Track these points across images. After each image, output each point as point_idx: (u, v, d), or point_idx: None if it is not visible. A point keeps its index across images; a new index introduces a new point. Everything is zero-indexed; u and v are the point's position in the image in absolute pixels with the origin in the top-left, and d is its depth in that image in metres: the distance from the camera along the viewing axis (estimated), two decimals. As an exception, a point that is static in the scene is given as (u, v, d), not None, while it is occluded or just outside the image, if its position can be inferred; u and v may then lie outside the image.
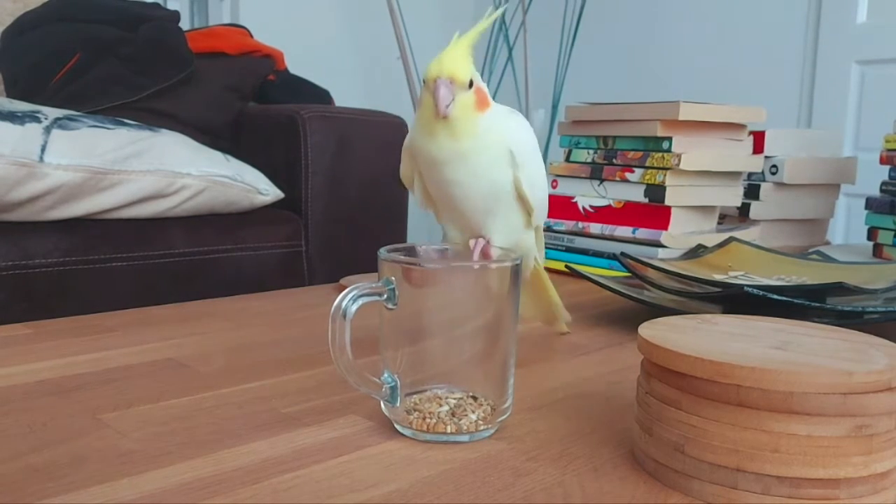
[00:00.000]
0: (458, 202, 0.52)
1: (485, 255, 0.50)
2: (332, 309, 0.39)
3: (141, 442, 0.41)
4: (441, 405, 0.42)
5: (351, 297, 0.40)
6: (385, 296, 0.41)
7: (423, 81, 0.49)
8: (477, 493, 0.36)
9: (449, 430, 0.41)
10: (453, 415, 0.42)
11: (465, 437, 0.42)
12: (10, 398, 0.48)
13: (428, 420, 0.41)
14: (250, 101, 1.46)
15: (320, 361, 0.56)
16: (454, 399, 0.42)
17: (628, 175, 0.98)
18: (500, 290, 0.42)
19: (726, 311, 0.65)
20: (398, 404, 0.42)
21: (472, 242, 0.52)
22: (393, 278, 0.41)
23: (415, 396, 0.42)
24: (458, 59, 0.49)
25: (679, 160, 0.93)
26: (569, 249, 1.00)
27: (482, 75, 2.37)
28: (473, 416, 0.42)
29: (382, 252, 0.43)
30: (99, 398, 0.48)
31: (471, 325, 0.42)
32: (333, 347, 0.40)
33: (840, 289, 0.65)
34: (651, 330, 0.40)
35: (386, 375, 0.42)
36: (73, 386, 0.50)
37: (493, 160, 0.51)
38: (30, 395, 0.48)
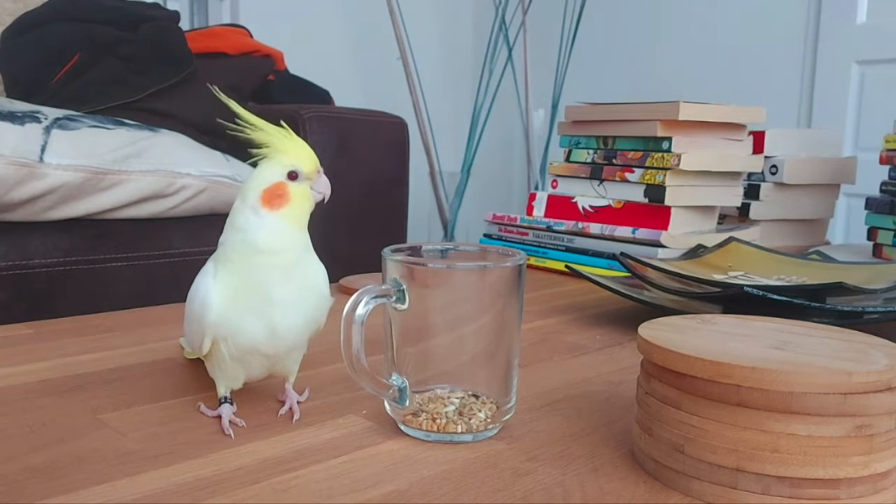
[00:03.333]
0: (269, 342, 0.45)
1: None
2: (345, 313, 0.39)
3: (141, 442, 0.41)
4: (446, 405, 0.42)
5: (363, 300, 0.40)
6: (394, 297, 0.41)
7: (292, 176, 0.44)
8: (477, 493, 0.36)
9: (459, 430, 0.41)
10: (461, 414, 0.42)
11: (468, 437, 0.42)
12: (10, 398, 0.48)
13: (438, 421, 0.41)
14: (250, 101, 1.46)
15: (320, 361, 0.56)
16: (457, 398, 0.42)
17: (628, 175, 0.98)
18: (505, 290, 0.42)
19: (726, 311, 0.65)
20: (407, 405, 0.42)
21: (284, 397, 0.47)
22: (402, 279, 0.41)
23: (417, 396, 0.42)
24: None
25: (679, 160, 0.93)
26: (569, 249, 1.00)
27: (482, 75, 2.37)
28: (482, 416, 0.42)
29: (387, 252, 0.43)
30: (99, 398, 0.48)
31: (476, 325, 0.42)
32: (347, 351, 0.40)
33: (840, 289, 0.65)
34: (651, 330, 0.40)
35: (395, 377, 0.42)
36: (73, 386, 0.50)
37: (315, 287, 0.47)
38: (30, 395, 0.48)
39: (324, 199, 0.46)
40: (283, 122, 0.45)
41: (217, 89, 0.47)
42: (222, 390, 0.46)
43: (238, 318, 0.43)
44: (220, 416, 0.44)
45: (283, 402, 0.47)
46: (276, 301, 0.43)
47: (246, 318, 0.43)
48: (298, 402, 0.47)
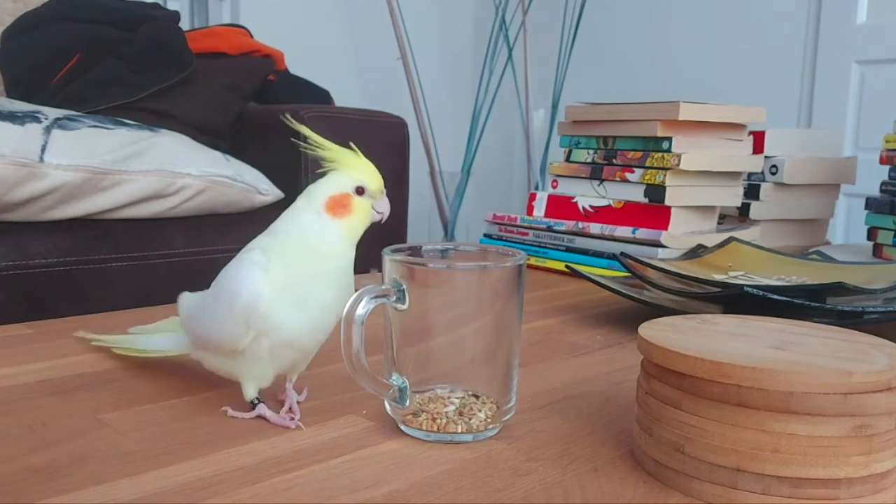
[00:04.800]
0: (312, 337, 0.47)
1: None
2: (345, 313, 0.39)
3: (141, 442, 0.41)
4: (446, 405, 0.42)
5: (363, 300, 0.40)
6: (395, 297, 0.41)
7: (359, 191, 0.46)
8: (477, 493, 0.36)
9: (460, 430, 0.41)
10: (461, 414, 0.42)
11: (468, 437, 0.42)
12: (10, 398, 0.48)
13: (438, 421, 0.41)
14: (250, 101, 1.46)
15: (320, 361, 0.56)
16: (457, 398, 0.42)
17: (628, 175, 0.98)
18: (505, 290, 0.42)
19: (726, 311, 0.65)
20: (407, 405, 0.42)
21: (285, 396, 0.47)
22: (402, 279, 0.41)
23: (417, 396, 0.42)
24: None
25: (679, 160, 0.93)
26: (569, 249, 1.00)
27: (482, 76, 2.37)
28: (482, 415, 0.42)
29: (387, 252, 0.43)
30: (99, 398, 0.48)
31: (476, 325, 0.42)
32: (347, 351, 0.40)
33: (840, 289, 0.65)
34: (651, 330, 0.40)
35: (395, 377, 0.42)
36: (73, 386, 0.50)
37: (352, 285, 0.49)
38: (30, 395, 0.48)
39: (381, 219, 0.47)
40: (352, 144, 0.47)
41: (289, 117, 0.49)
42: (253, 391, 0.45)
43: (285, 312, 0.43)
44: (263, 416, 0.45)
45: (282, 403, 0.47)
46: (321, 301, 0.44)
47: (292, 314, 0.43)
48: (298, 403, 0.47)
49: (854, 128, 1.91)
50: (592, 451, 0.41)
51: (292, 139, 0.49)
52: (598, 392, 0.51)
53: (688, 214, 0.97)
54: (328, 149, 0.45)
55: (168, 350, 0.51)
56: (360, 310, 0.39)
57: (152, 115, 1.26)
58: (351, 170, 0.45)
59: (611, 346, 0.63)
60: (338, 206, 0.44)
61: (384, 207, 0.47)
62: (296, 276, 0.43)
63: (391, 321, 0.42)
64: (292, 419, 0.44)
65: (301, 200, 0.45)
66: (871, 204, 1.05)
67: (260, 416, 0.45)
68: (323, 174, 0.46)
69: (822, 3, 1.93)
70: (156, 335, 0.54)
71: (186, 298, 0.50)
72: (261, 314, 0.42)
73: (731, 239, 0.88)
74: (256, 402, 0.45)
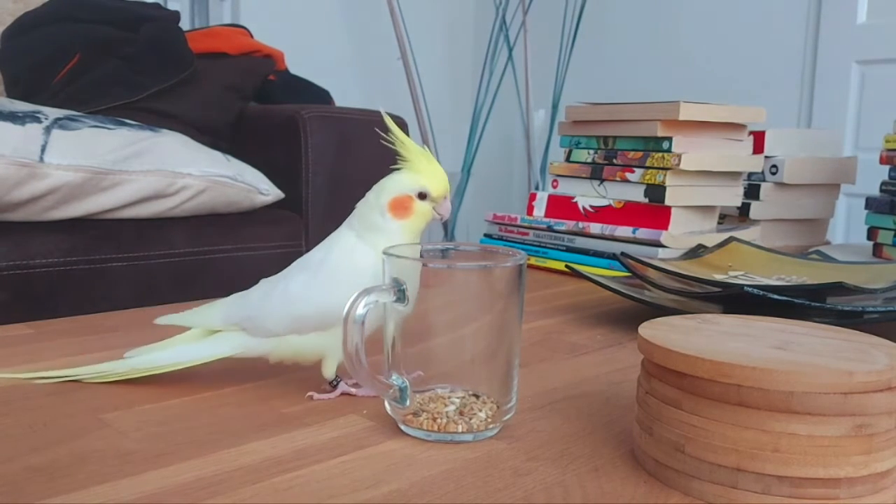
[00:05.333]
0: None
1: None
2: (345, 312, 0.39)
3: (141, 442, 0.41)
4: (446, 405, 0.42)
5: (363, 300, 0.40)
6: (395, 297, 0.41)
7: (421, 195, 0.49)
8: (477, 493, 0.36)
9: (460, 430, 0.41)
10: (461, 414, 0.42)
11: (469, 437, 0.42)
12: (10, 398, 0.48)
13: (438, 420, 0.41)
14: (251, 101, 1.46)
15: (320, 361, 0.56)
16: (458, 398, 0.42)
17: (628, 175, 0.98)
18: (505, 290, 0.42)
19: (726, 311, 0.65)
20: (408, 405, 0.42)
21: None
22: (402, 279, 0.41)
23: (417, 396, 0.42)
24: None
25: (679, 160, 0.93)
26: (569, 249, 1.00)
27: (482, 76, 2.37)
28: (482, 415, 0.42)
29: (387, 252, 0.43)
30: (99, 398, 0.48)
31: (477, 325, 0.42)
32: (346, 351, 0.40)
33: (840, 289, 0.65)
34: (651, 330, 0.40)
35: (395, 377, 0.42)
36: (73, 386, 0.50)
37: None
38: (30, 395, 0.48)
39: (441, 220, 0.50)
40: (426, 146, 0.49)
41: (386, 114, 0.53)
42: (334, 369, 0.48)
43: None
44: (348, 392, 0.48)
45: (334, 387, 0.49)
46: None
47: None
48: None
49: (854, 128, 1.91)
50: (592, 451, 0.41)
51: (376, 129, 0.52)
52: (598, 392, 0.51)
53: (688, 214, 0.97)
54: (406, 148, 0.49)
55: (216, 355, 0.50)
56: (360, 309, 0.39)
57: (153, 115, 1.26)
58: (417, 174, 0.48)
59: (611, 346, 0.63)
60: (399, 207, 0.48)
61: (444, 210, 0.50)
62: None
63: (392, 321, 0.42)
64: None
65: (371, 196, 0.49)
66: (871, 204, 1.05)
67: (344, 393, 0.48)
68: (395, 169, 0.50)
69: (822, 3, 1.93)
70: (201, 342, 0.52)
71: (242, 298, 0.51)
72: (378, 277, 0.46)
73: (731, 239, 0.88)
74: (337, 381, 0.49)
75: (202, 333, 0.51)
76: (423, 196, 0.48)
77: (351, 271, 0.48)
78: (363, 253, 0.48)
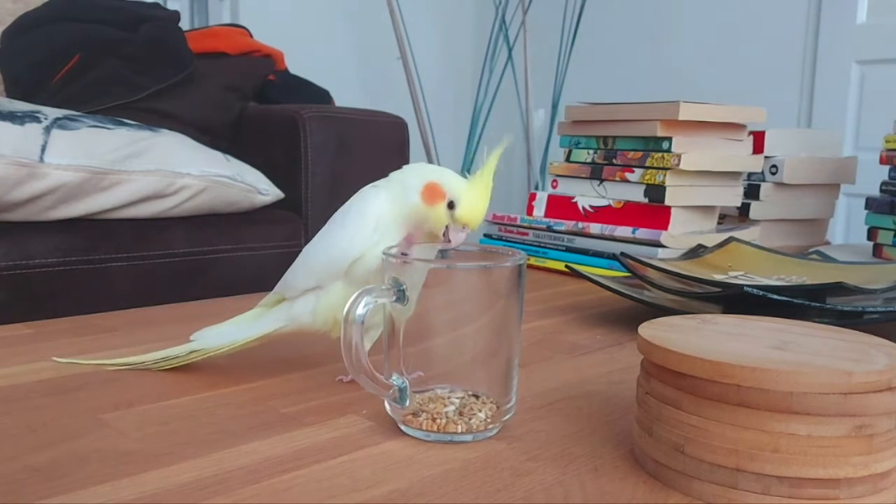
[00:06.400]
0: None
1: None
2: (345, 312, 0.39)
3: (141, 442, 0.41)
4: (446, 405, 0.42)
5: (364, 300, 0.40)
6: (395, 297, 0.41)
7: (450, 205, 0.48)
8: (477, 493, 0.36)
9: (460, 430, 0.41)
10: (461, 414, 0.42)
11: (468, 437, 0.42)
12: (10, 398, 0.48)
13: (438, 421, 0.41)
14: (250, 101, 1.46)
15: (320, 361, 0.56)
16: (457, 398, 0.42)
17: (628, 175, 0.98)
18: (505, 290, 0.42)
19: (726, 311, 0.65)
20: (407, 405, 0.42)
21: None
22: (402, 279, 0.41)
23: (417, 396, 0.42)
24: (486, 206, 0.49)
25: (679, 160, 0.93)
26: (569, 249, 1.00)
27: (482, 75, 2.37)
28: (482, 415, 0.42)
29: (387, 252, 0.43)
30: (99, 398, 0.48)
31: (476, 325, 0.42)
32: (346, 351, 0.40)
33: (840, 289, 0.65)
34: (651, 330, 0.40)
35: (395, 377, 0.42)
36: (73, 386, 0.50)
37: None
38: (30, 395, 0.48)
39: (447, 243, 0.49)
40: (488, 175, 0.48)
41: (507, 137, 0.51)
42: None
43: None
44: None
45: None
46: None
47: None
48: None
49: (854, 128, 1.91)
50: (592, 451, 0.41)
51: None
52: (598, 392, 0.51)
53: (688, 214, 0.97)
54: (483, 167, 0.48)
55: (266, 330, 0.52)
56: (360, 310, 0.39)
57: (152, 115, 1.26)
58: (466, 189, 0.47)
59: (611, 346, 0.63)
60: (430, 193, 0.48)
61: (453, 236, 0.48)
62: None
63: (392, 321, 0.42)
64: None
65: (416, 167, 0.50)
66: (871, 204, 1.05)
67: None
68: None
69: (822, 3, 1.94)
70: (257, 320, 0.53)
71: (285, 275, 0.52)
72: (384, 224, 0.48)
73: (731, 239, 0.88)
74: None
75: (261, 312, 0.53)
76: (451, 206, 0.48)
77: (357, 213, 0.49)
78: (375, 201, 0.49)
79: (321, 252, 0.51)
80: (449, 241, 0.48)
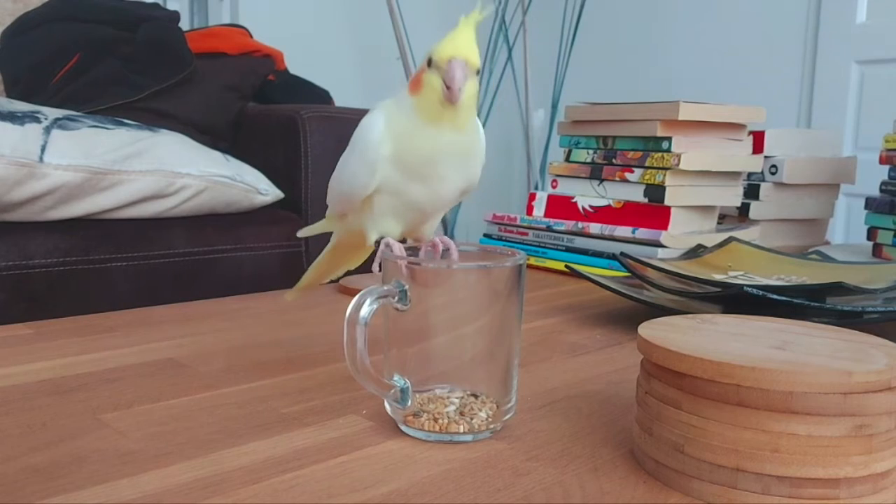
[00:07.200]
0: (429, 201, 0.49)
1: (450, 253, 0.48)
2: (348, 314, 0.39)
3: (141, 442, 0.41)
4: (446, 405, 0.42)
5: (367, 301, 0.40)
6: (397, 298, 0.41)
7: (429, 63, 0.44)
8: (477, 493, 0.36)
9: (461, 430, 0.41)
10: (462, 414, 0.42)
11: (468, 437, 0.42)
12: (10, 398, 0.48)
13: (440, 421, 0.41)
14: (250, 101, 1.46)
15: (320, 361, 0.56)
16: (457, 398, 0.42)
17: (628, 175, 0.98)
18: (505, 290, 0.42)
19: (726, 311, 0.65)
20: (409, 405, 0.42)
21: (437, 241, 0.48)
22: (402, 279, 0.41)
23: (417, 396, 0.42)
24: (472, 42, 0.43)
25: (679, 160, 0.93)
26: (569, 249, 1.00)
27: (482, 76, 2.37)
28: (483, 415, 0.42)
29: (387, 253, 0.43)
30: (99, 398, 0.48)
31: (476, 325, 0.42)
32: (350, 352, 0.40)
33: (840, 289, 0.65)
34: (651, 330, 0.40)
35: (396, 377, 0.42)
36: (73, 386, 0.50)
37: (478, 156, 0.50)
38: (30, 395, 0.48)
39: (450, 91, 0.43)
40: (464, 19, 0.44)
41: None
42: (372, 238, 0.51)
43: (391, 164, 0.48)
44: (389, 245, 0.48)
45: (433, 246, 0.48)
46: (425, 168, 0.48)
47: (397, 170, 0.48)
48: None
49: (854, 128, 1.91)
50: (592, 451, 0.41)
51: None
52: (598, 392, 0.51)
53: (688, 214, 0.97)
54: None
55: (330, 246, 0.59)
56: (364, 311, 0.39)
57: (152, 115, 1.26)
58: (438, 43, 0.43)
59: (611, 346, 0.63)
60: (414, 83, 0.45)
61: (449, 78, 0.43)
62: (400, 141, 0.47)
63: (393, 322, 0.42)
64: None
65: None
66: (870, 204, 1.05)
67: (388, 246, 0.48)
68: None
69: (822, 3, 1.94)
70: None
71: None
72: (384, 155, 0.47)
73: (730, 239, 0.88)
74: (379, 240, 0.50)
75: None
76: (430, 63, 0.44)
77: (355, 139, 0.50)
78: (370, 124, 0.48)
79: (335, 187, 0.54)
80: (447, 85, 0.43)
